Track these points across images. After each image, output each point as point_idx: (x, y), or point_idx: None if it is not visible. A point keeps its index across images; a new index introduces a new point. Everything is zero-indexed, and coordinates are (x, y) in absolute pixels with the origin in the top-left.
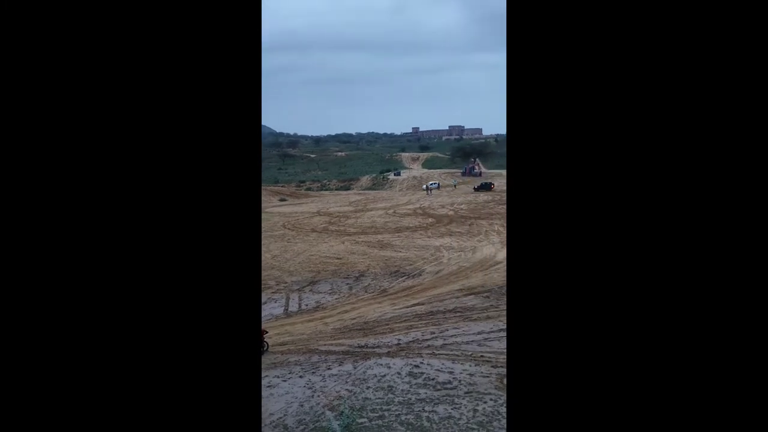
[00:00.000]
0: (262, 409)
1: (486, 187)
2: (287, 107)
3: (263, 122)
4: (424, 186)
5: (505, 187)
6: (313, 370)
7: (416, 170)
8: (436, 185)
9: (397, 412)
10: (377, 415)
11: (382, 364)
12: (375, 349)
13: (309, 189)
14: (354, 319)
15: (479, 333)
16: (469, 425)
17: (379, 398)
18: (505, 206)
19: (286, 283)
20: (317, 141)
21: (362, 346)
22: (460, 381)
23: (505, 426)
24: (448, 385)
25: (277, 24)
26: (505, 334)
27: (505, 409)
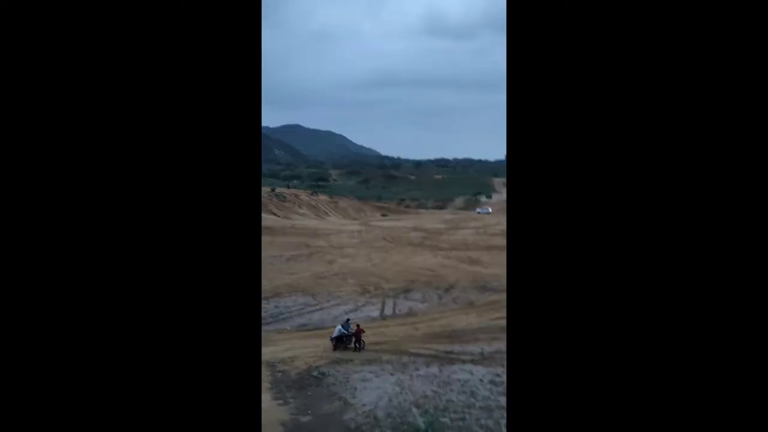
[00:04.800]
0: (357, 400)
1: None
2: (392, 133)
3: (371, 146)
4: (477, 210)
5: None
6: (403, 370)
7: (505, 194)
8: (487, 210)
9: (477, 416)
10: (459, 416)
11: (465, 370)
12: (460, 356)
13: (408, 207)
14: (442, 326)
15: None
16: None
17: (461, 401)
18: None
19: (383, 289)
20: (418, 164)
21: (448, 352)
22: None
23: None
24: None
25: (372, 62)
26: None
27: None
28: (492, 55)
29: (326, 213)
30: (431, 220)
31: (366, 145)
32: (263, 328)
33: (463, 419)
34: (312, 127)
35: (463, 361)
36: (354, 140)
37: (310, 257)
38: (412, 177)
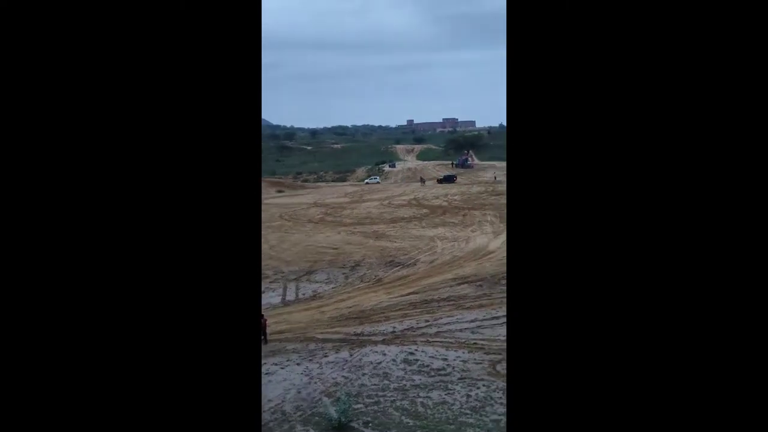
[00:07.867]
0: (261, 397)
1: (449, 179)
2: (281, 100)
3: None
4: (366, 180)
5: (494, 179)
6: (311, 358)
7: (411, 162)
8: (376, 180)
9: (392, 398)
10: (373, 401)
11: (377, 352)
12: (371, 337)
13: (306, 181)
14: (350, 307)
15: (472, 321)
16: (462, 410)
17: (374, 384)
18: (497, 197)
19: (283, 272)
20: (313, 133)
21: (358, 334)
22: (453, 367)
23: (499, 411)
24: (442, 372)
25: None
26: (497, 322)
27: (497, 395)
28: (372, 13)
29: None
30: (332, 193)
31: None
32: None
33: (378, 403)
34: None
35: (374, 342)
36: None
37: None
38: (309, 148)
